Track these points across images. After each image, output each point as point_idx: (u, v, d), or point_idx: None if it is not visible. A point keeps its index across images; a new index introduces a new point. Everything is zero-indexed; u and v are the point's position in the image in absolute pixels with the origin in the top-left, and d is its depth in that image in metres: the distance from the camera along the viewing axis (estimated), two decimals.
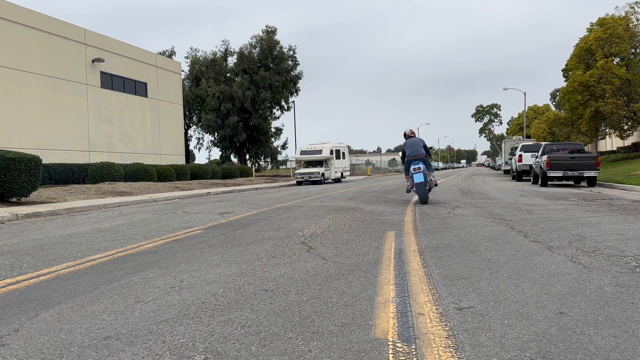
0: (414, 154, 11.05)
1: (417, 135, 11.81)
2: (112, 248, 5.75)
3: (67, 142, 24.29)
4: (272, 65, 44.36)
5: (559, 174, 16.83)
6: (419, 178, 10.65)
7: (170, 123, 33.05)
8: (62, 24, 24.46)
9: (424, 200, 10.85)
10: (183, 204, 13.24)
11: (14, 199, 12.67)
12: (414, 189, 10.98)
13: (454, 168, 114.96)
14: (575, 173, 16.60)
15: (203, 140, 49.72)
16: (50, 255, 5.36)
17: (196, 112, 47.10)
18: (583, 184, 18.46)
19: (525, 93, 47.12)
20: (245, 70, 44.42)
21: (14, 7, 21.96)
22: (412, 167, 10.85)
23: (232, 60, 46.82)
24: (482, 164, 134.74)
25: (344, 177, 33.37)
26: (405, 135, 11.84)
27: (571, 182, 19.13)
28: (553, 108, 68.95)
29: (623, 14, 32.84)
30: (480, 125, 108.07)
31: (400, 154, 12.06)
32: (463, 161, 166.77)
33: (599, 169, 16.66)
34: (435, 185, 12.23)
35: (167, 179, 25.09)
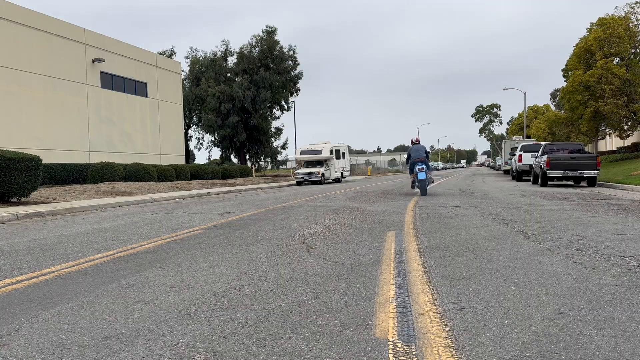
0: (418, 156, 14.28)
1: (420, 142, 15.35)
2: (112, 248, 5.75)
3: (67, 142, 24.29)
4: (272, 65, 44.37)
5: (559, 174, 16.83)
6: (422, 176, 13.89)
7: (170, 123, 33.05)
8: (62, 24, 24.47)
9: (424, 192, 13.97)
10: (183, 204, 13.24)
11: (14, 199, 12.68)
12: (417, 183, 14.24)
13: (453, 168, 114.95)
14: (575, 173, 16.60)
15: (203, 140, 49.75)
16: (51, 255, 5.36)
17: (196, 112, 47.12)
18: (583, 184, 18.46)
19: (525, 93, 47.13)
20: (245, 70, 44.44)
21: (14, 7, 21.96)
22: (416, 167, 14.06)
23: (232, 60, 46.85)
24: (482, 164, 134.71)
25: (344, 177, 33.37)
26: (412, 142, 15.36)
27: (571, 182, 19.13)
28: (553, 108, 68.93)
29: (623, 14, 32.85)
30: (480, 125, 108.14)
31: (405, 155, 15.90)
32: (463, 161, 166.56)
33: (599, 169, 16.66)
34: (432, 182, 16.10)
35: (167, 179, 25.10)
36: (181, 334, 2.72)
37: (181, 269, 4.44)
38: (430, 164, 14.59)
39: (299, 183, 28.24)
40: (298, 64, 46.02)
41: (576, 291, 3.40)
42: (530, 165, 21.62)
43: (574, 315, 2.87)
